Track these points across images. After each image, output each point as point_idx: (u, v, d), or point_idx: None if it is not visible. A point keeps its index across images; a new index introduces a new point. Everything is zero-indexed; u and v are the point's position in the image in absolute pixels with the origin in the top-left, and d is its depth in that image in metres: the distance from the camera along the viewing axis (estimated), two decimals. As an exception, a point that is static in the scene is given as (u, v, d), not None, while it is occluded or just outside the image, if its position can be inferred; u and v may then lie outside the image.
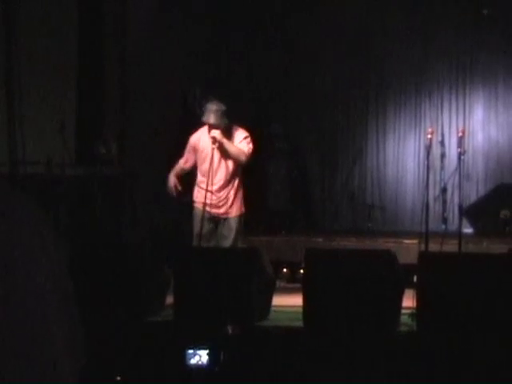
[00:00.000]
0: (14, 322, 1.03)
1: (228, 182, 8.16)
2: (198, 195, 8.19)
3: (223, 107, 8.08)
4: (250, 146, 8.12)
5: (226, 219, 8.17)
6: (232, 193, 8.18)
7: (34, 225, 1.08)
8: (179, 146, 8.44)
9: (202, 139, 8.15)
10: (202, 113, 8.22)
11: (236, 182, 8.22)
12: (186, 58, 11.46)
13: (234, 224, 8.16)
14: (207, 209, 8.02)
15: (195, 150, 8.19)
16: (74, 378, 1.09)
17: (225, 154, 8.07)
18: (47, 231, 1.10)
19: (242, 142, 8.10)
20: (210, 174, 7.94)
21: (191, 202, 8.32)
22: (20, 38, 8.77)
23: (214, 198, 8.04)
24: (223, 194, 8.13)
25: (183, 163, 8.29)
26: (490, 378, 6.10)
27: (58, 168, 8.93)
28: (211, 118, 8.02)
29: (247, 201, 8.51)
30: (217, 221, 8.16)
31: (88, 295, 7.01)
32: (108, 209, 9.97)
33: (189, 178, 8.45)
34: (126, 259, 7.47)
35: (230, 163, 8.12)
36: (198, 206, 8.16)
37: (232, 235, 8.12)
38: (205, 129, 8.16)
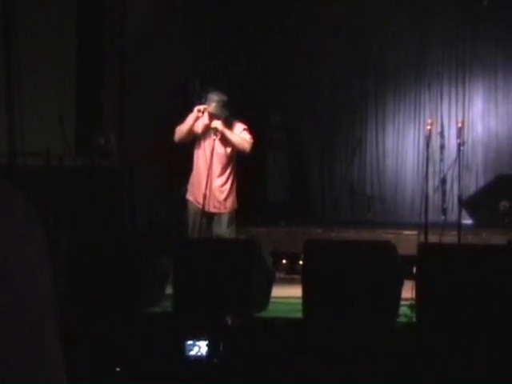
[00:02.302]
0: (7, 320, 1.03)
1: (225, 173, 8.15)
2: (194, 189, 8.17)
3: (225, 98, 8.08)
4: (250, 136, 8.13)
5: (219, 215, 8.15)
6: (228, 184, 8.17)
7: (23, 220, 1.08)
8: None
9: (203, 123, 8.12)
10: (203, 102, 8.21)
11: (232, 173, 8.21)
12: (186, 50, 11.45)
13: (226, 220, 8.15)
14: (201, 203, 7.97)
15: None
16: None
17: (226, 144, 8.07)
18: (36, 227, 1.09)
19: (242, 133, 8.11)
20: (210, 164, 7.93)
21: (185, 193, 8.31)
22: (19, 29, 8.76)
23: (210, 188, 8.00)
24: (219, 184, 8.11)
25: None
26: (489, 369, 6.11)
27: (57, 159, 8.93)
28: (212, 107, 8.02)
29: (246, 192, 8.51)
30: (210, 216, 8.15)
31: (87, 286, 7.01)
32: (107, 200, 9.97)
33: (184, 170, 8.44)
34: (124, 250, 7.47)
35: (227, 154, 8.11)
36: (193, 201, 8.15)
37: (225, 233, 8.12)
38: (205, 114, 8.14)
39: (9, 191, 1.06)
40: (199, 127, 8.11)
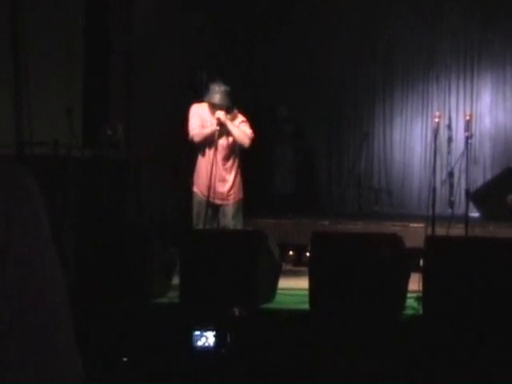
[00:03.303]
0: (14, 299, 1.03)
1: (227, 163, 8.14)
2: (198, 181, 8.16)
3: (228, 88, 8.06)
4: (251, 131, 8.10)
5: (224, 206, 8.15)
6: (232, 175, 8.16)
7: (28, 196, 1.08)
8: (185, 130, 8.42)
9: (206, 115, 8.11)
10: (205, 93, 8.19)
11: (235, 164, 8.19)
12: (192, 43, 11.45)
13: (230, 212, 8.14)
14: (206, 195, 7.96)
15: (200, 119, 8.12)
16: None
17: (228, 135, 8.05)
18: (41, 210, 1.10)
19: (241, 125, 8.07)
20: (213, 155, 7.92)
21: (191, 185, 8.31)
22: (28, 21, 8.77)
23: (214, 179, 7.99)
24: (223, 175, 8.10)
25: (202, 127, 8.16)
26: (495, 363, 6.11)
27: (65, 150, 8.94)
28: (216, 97, 7.99)
29: (254, 184, 8.49)
30: (216, 207, 8.14)
31: (94, 277, 7.03)
32: (114, 191, 9.98)
33: (191, 162, 8.44)
34: (131, 241, 7.47)
35: (230, 145, 8.09)
36: (198, 192, 8.15)
37: (230, 224, 8.11)
38: (204, 106, 8.12)
39: (17, 174, 1.06)
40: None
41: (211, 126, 8.01)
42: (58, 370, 1.04)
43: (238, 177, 8.22)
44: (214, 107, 8.01)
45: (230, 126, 7.99)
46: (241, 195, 8.24)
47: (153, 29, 10.91)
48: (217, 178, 8.01)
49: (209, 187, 7.91)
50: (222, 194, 8.11)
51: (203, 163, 8.11)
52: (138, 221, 10.39)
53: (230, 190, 8.15)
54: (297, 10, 12.71)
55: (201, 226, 7.96)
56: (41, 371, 1.02)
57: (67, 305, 1.08)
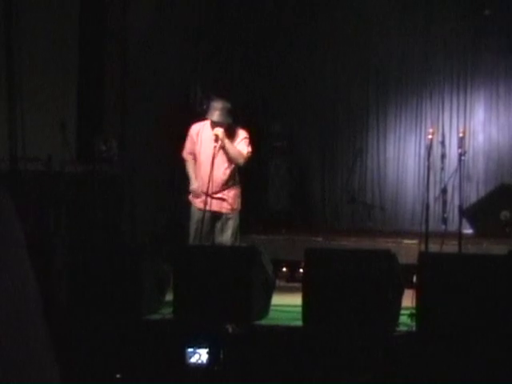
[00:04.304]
0: None
1: (227, 180, 8.14)
2: (197, 193, 8.17)
3: (228, 105, 8.06)
4: (249, 147, 8.09)
5: (223, 215, 8.14)
6: (231, 191, 8.16)
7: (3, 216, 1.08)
8: (180, 144, 8.43)
9: (204, 132, 8.12)
10: (205, 110, 8.22)
11: (235, 179, 8.20)
12: (187, 57, 11.47)
13: (231, 220, 8.14)
14: (205, 205, 7.98)
15: (193, 142, 8.17)
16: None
17: (225, 152, 8.06)
18: (15, 221, 1.10)
19: (241, 143, 8.07)
20: (211, 172, 7.92)
21: (188, 199, 8.31)
22: (21, 35, 8.77)
23: (213, 194, 8.01)
24: (222, 191, 8.10)
25: (191, 158, 8.25)
26: (489, 379, 6.11)
27: (58, 165, 8.93)
28: (216, 115, 7.99)
29: (247, 200, 8.48)
30: (214, 217, 8.13)
31: (87, 293, 7.01)
32: (107, 206, 9.97)
33: (185, 177, 8.44)
34: (125, 256, 7.46)
35: (229, 161, 8.10)
36: (196, 204, 8.15)
37: (230, 231, 8.11)
38: (206, 123, 8.14)
39: None
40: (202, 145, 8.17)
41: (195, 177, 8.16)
42: (34, 381, 1.04)
43: (238, 192, 8.21)
44: (214, 124, 8.02)
45: (227, 144, 7.99)
46: (239, 207, 8.22)
47: (148, 43, 10.92)
48: (216, 194, 8.04)
49: (207, 201, 7.94)
50: (221, 205, 8.08)
51: (201, 179, 8.11)
52: (131, 236, 10.38)
53: (228, 204, 8.13)
54: (290, 26, 12.74)
55: (198, 238, 7.95)
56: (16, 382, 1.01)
57: (41, 313, 1.08)
